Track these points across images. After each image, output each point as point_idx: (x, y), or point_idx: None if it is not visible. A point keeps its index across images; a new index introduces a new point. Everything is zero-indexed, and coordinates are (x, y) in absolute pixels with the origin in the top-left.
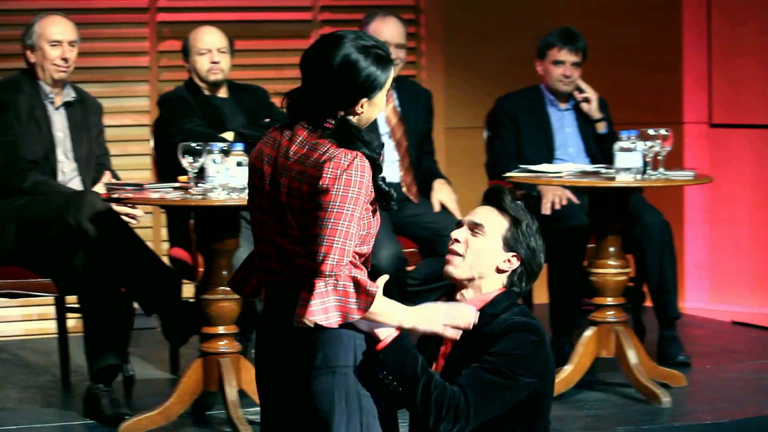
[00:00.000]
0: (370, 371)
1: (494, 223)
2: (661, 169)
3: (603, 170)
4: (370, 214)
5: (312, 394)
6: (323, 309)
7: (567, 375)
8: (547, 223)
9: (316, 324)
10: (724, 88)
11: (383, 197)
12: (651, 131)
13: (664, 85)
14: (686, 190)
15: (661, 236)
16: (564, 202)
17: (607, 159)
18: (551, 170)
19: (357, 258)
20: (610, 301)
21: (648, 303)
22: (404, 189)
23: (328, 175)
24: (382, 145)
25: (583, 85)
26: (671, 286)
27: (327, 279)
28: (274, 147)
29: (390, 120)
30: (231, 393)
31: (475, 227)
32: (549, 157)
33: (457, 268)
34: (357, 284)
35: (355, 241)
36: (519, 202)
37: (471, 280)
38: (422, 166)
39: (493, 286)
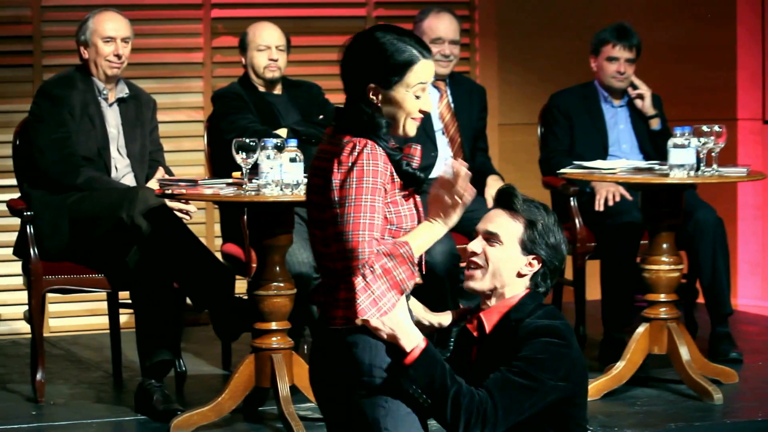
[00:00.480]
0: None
1: (509, 229)
2: (714, 166)
3: (656, 167)
4: (400, 204)
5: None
6: (372, 301)
7: (619, 371)
8: (600, 220)
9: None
10: None
11: (411, 181)
12: (705, 128)
13: (718, 82)
14: (739, 186)
15: (714, 233)
16: (617, 199)
17: (661, 156)
18: (605, 167)
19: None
20: (662, 297)
21: (700, 299)
22: None
23: (339, 169)
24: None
25: (637, 82)
26: (724, 282)
27: (363, 272)
28: None
29: (443, 116)
30: (283, 389)
31: (490, 237)
32: (602, 154)
33: (478, 282)
34: (391, 256)
35: (378, 231)
36: (529, 199)
37: (494, 289)
38: (476, 163)
39: (516, 290)
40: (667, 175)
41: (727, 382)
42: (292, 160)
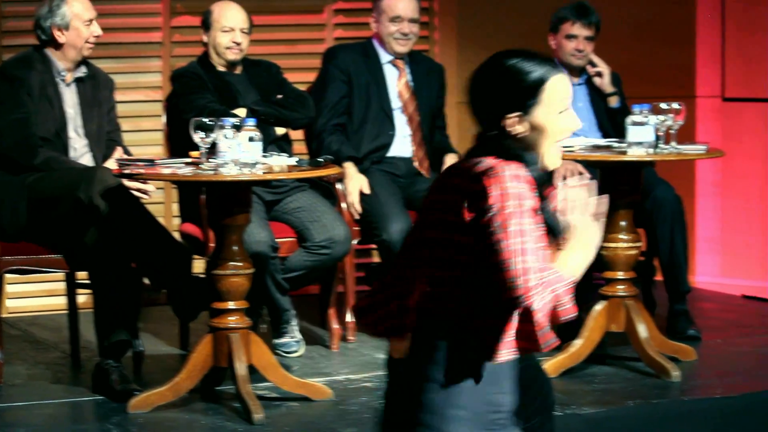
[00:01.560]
0: None
1: None
2: (673, 143)
3: (615, 144)
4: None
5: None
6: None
7: (577, 349)
8: None
9: None
10: (737, 62)
11: (550, 230)
12: (663, 105)
13: (677, 59)
14: (698, 164)
15: (673, 210)
16: (576, 176)
17: (620, 133)
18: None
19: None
20: (620, 275)
21: (659, 277)
22: (416, 164)
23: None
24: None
25: (596, 60)
26: (682, 260)
27: (525, 302)
28: None
29: (402, 95)
30: (240, 368)
31: None
32: None
33: None
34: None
35: (536, 256)
36: None
37: None
38: (434, 141)
39: None
40: (625, 153)
41: (685, 360)
42: (251, 139)
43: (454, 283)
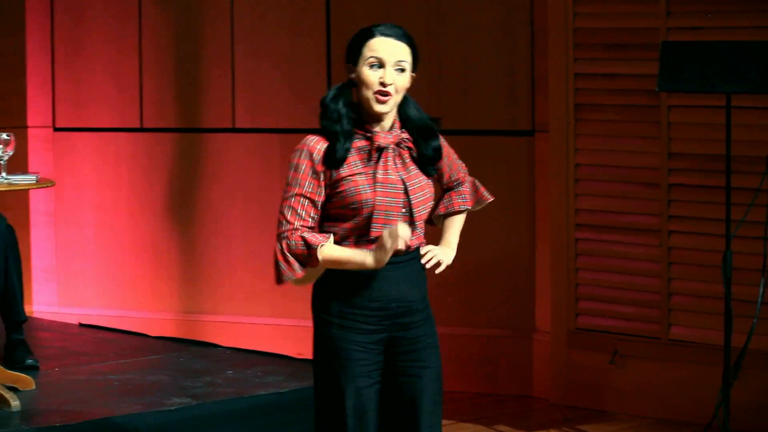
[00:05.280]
0: None
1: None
2: (3, 174)
3: None
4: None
5: None
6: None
7: None
8: None
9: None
10: (68, 91)
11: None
12: None
13: (8, 89)
14: (31, 194)
15: (6, 240)
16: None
17: None
18: None
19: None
20: None
21: None
22: None
23: None
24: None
25: None
26: (18, 289)
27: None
28: None
29: None
30: None
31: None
32: None
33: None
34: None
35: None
36: None
37: None
38: None
39: None
40: None
41: (24, 389)
42: None
43: None
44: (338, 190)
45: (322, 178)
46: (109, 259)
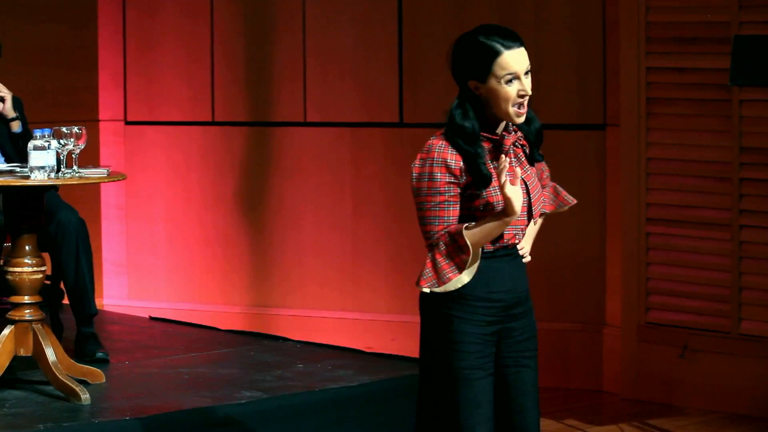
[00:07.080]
0: None
1: None
2: (75, 167)
3: (18, 169)
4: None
5: None
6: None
7: None
8: None
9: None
10: (139, 84)
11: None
12: (64, 129)
13: (80, 82)
14: (103, 187)
15: (77, 234)
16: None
17: (23, 158)
18: None
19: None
20: (26, 299)
21: (65, 301)
22: None
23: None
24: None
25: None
26: (89, 283)
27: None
28: None
29: None
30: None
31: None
32: None
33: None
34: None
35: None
36: None
37: None
38: None
39: None
40: (27, 177)
41: (94, 382)
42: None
43: None
44: (470, 191)
45: (458, 182)
46: (179, 253)
